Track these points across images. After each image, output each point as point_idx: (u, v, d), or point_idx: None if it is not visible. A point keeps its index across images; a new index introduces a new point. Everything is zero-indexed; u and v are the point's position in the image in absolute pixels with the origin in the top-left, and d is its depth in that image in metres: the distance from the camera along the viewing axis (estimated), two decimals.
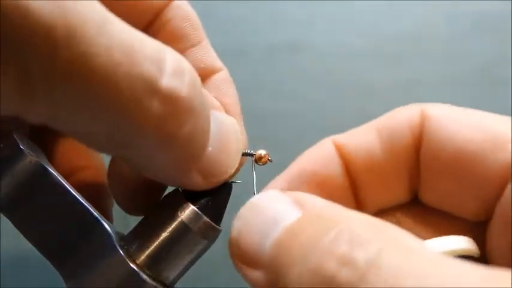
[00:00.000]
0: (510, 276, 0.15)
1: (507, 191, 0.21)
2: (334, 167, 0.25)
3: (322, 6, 0.58)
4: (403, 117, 0.24)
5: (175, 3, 0.28)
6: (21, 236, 0.25)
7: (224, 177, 0.23)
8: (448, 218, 0.24)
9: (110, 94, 0.18)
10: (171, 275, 0.23)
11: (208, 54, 0.28)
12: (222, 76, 0.28)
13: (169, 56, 0.20)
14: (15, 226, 0.25)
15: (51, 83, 0.17)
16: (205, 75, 0.27)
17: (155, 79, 0.19)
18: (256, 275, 0.20)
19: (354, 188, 0.25)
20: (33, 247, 0.25)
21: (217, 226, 0.24)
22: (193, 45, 0.28)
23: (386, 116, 0.25)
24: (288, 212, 0.20)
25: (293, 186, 0.25)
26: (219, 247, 0.25)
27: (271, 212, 0.20)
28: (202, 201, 0.24)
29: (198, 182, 0.22)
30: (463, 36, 0.57)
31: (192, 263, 0.24)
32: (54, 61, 0.16)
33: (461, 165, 0.22)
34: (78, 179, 0.31)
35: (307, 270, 0.17)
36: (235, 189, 0.25)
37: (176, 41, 0.27)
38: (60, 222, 0.24)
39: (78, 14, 0.16)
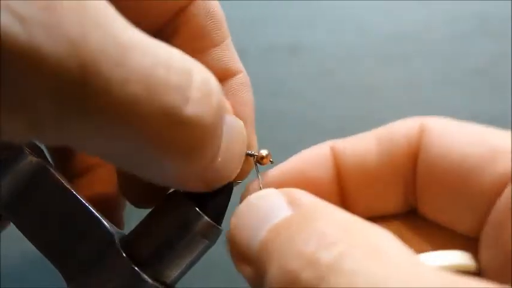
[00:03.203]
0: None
1: (502, 197, 0.21)
2: (325, 170, 0.24)
3: (322, 6, 0.58)
4: (401, 128, 0.24)
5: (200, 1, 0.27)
6: (21, 236, 0.25)
7: (225, 182, 0.23)
8: (446, 232, 0.23)
9: (126, 128, 0.17)
10: (172, 274, 0.23)
11: (229, 56, 0.27)
12: (240, 80, 0.27)
13: (197, 77, 0.19)
14: (15, 226, 0.25)
15: (61, 122, 0.16)
16: (223, 77, 0.27)
17: (179, 109, 0.18)
18: (248, 270, 0.20)
19: (342, 194, 0.25)
20: (34, 247, 0.25)
21: (218, 226, 0.24)
22: (214, 45, 0.27)
23: (387, 126, 0.25)
24: (280, 211, 0.20)
25: (281, 183, 0.25)
26: (219, 247, 0.25)
27: (264, 210, 0.21)
28: (203, 201, 0.24)
29: (200, 188, 0.22)
30: (463, 36, 0.57)
31: (193, 263, 0.24)
32: (63, 101, 0.15)
33: (458, 178, 0.22)
34: (92, 178, 0.31)
35: (277, 268, 0.18)
36: (235, 189, 0.25)
37: (197, 39, 0.27)
38: (61, 222, 0.24)
39: (91, 51, 0.15)
